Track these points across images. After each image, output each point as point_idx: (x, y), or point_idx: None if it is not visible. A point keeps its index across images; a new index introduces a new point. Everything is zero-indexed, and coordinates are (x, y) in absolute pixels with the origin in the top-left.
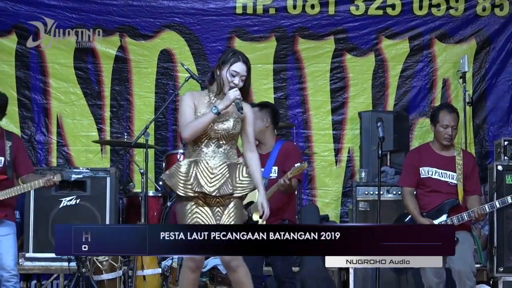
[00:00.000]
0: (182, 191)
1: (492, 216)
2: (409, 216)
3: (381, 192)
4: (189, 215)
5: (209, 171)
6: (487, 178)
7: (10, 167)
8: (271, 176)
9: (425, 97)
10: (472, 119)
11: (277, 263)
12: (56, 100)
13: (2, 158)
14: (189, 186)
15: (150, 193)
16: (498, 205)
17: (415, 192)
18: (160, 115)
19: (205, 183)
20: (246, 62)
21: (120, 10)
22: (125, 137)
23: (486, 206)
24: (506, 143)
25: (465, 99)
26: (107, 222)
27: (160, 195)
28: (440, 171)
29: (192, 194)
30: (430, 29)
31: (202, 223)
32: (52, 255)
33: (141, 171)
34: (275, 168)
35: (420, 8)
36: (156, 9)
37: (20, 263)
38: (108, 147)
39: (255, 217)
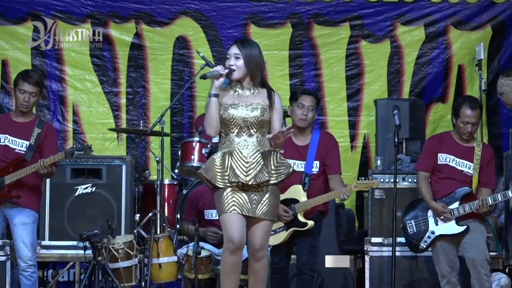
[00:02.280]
0: (221, 183)
1: (508, 204)
2: (421, 203)
3: (397, 180)
4: (226, 201)
5: (243, 160)
6: (502, 165)
7: (31, 150)
8: (313, 172)
9: (440, 84)
10: (486, 101)
11: (303, 254)
12: (72, 88)
13: (27, 142)
14: (226, 178)
15: (166, 181)
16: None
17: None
18: (176, 102)
19: (241, 172)
20: (240, 43)
21: None
22: (141, 125)
23: (489, 199)
24: None
25: (481, 87)
26: (123, 210)
27: (176, 183)
28: (458, 159)
29: (230, 185)
30: (446, 15)
31: (239, 209)
32: (68, 243)
33: (156, 159)
34: (317, 163)
35: None
36: None
37: (36, 251)
38: (124, 134)
39: (301, 217)
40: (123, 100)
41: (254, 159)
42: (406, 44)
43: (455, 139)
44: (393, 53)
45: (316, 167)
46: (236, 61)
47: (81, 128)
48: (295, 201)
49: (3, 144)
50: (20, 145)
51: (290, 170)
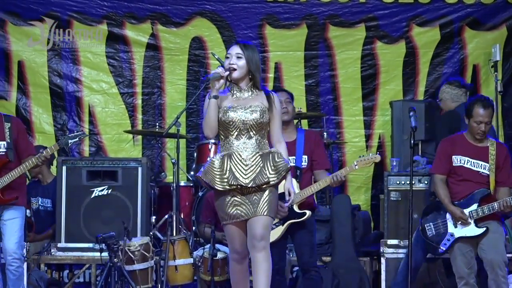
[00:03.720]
0: (220, 186)
1: None
2: (439, 204)
3: (413, 182)
4: (228, 210)
5: (242, 163)
6: None
7: (11, 149)
8: (303, 165)
9: None
10: (502, 103)
11: (305, 252)
12: (88, 89)
13: (4, 142)
14: (226, 180)
15: (182, 183)
16: None
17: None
18: (192, 103)
19: (240, 175)
20: (241, 44)
21: None
22: (157, 126)
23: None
24: None
25: (497, 88)
26: (139, 212)
27: (191, 185)
28: (473, 160)
29: (229, 188)
30: (461, 16)
31: (243, 213)
32: (84, 245)
33: (172, 161)
34: (305, 157)
35: None
36: None
37: (52, 253)
38: (140, 135)
39: (297, 209)
40: (139, 101)
41: (253, 161)
42: (422, 44)
43: (468, 140)
44: (408, 53)
45: (305, 161)
46: (238, 60)
47: (97, 129)
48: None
49: None
50: None
51: (288, 166)
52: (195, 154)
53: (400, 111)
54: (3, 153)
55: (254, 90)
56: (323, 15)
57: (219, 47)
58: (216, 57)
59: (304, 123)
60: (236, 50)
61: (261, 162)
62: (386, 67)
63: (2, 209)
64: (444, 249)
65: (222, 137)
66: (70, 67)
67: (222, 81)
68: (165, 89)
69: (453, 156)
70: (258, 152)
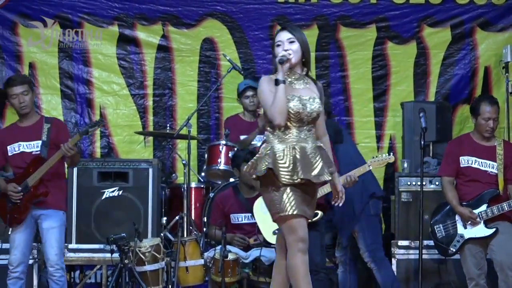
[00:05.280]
0: (287, 180)
1: None
2: (448, 206)
3: (424, 183)
4: (289, 201)
5: (308, 156)
6: None
7: (45, 147)
8: None
9: (467, 85)
10: None
11: (316, 254)
12: (99, 90)
13: (39, 142)
14: (290, 174)
15: (193, 184)
16: None
17: (454, 182)
18: (203, 104)
19: (308, 169)
20: (289, 28)
21: None
22: (168, 127)
23: None
24: None
25: (508, 89)
26: (150, 213)
27: (202, 186)
28: (480, 160)
29: (292, 182)
30: (472, 17)
31: (302, 210)
32: (95, 246)
33: (183, 162)
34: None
35: None
36: None
37: (64, 254)
38: (150, 136)
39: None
40: (150, 102)
41: (315, 154)
42: (433, 45)
43: (475, 140)
44: (419, 54)
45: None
46: (291, 45)
47: (108, 130)
48: None
49: (19, 152)
50: (35, 146)
51: (334, 166)
52: (206, 155)
53: (411, 112)
54: (38, 152)
55: (307, 78)
56: (334, 15)
57: (230, 48)
58: (228, 58)
59: None
60: (286, 35)
61: (319, 156)
62: (397, 68)
63: (39, 213)
64: (453, 250)
65: (281, 128)
66: (81, 68)
67: (287, 65)
68: (176, 91)
69: (460, 157)
70: (316, 145)
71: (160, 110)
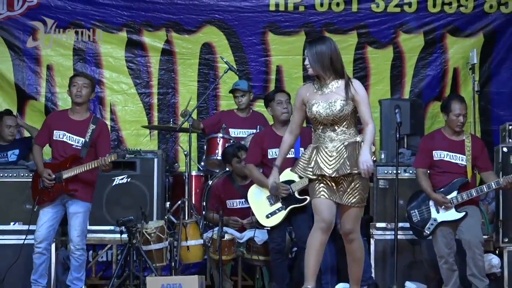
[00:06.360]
0: (302, 173)
1: (498, 192)
2: (422, 194)
3: (399, 172)
4: (317, 188)
5: (328, 154)
6: (493, 159)
7: (86, 147)
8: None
9: (438, 84)
10: (478, 101)
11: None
12: (109, 90)
13: (82, 139)
14: (310, 170)
15: (193, 173)
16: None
17: (428, 172)
18: (202, 102)
19: (325, 166)
20: (308, 43)
21: (166, 8)
22: (171, 122)
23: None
24: (510, 127)
25: (474, 88)
26: (155, 198)
27: (202, 174)
28: (451, 154)
29: (312, 176)
30: (443, 24)
31: (327, 195)
32: (106, 227)
33: (185, 152)
34: (302, 149)
35: (434, 5)
36: (198, 7)
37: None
38: (156, 131)
39: (297, 194)
40: (155, 100)
41: (337, 152)
42: (407, 49)
43: (446, 135)
44: (395, 57)
45: (302, 153)
46: (306, 60)
47: (118, 125)
48: (291, 181)
49: (61, 140)
50: (76, 141)
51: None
52: (205, 147)
53: (388, 109)
54: (79, 148)
55: (335, 82)
56: (319, 23)
57: (226, 51)
58: (224, 60)
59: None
60: (306, 50)
61: (345, 152)
62: (376, 70)
63: (68, 201)
64: (428, 232)
65: (313, 129)
66: (94, 70)
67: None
68: (178, 90)
69: (433, 151)
70: (343, 143)
71: (164, 107)
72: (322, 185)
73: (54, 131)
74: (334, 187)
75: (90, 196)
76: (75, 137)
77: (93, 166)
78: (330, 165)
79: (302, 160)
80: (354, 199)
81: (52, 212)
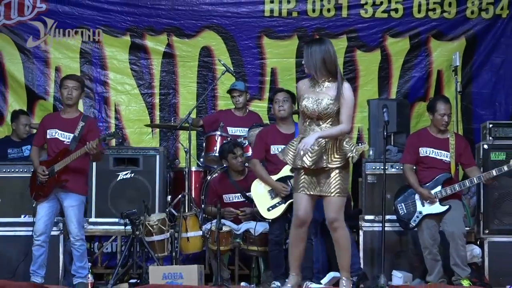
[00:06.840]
0: (292, 163)
1: (479, 187)
2: (408, 189)
3: (386, 167)
4: (298, 181)
5: (310, 147)
6: (474, 156)
7: (75, 141)
8: None
9: (422, 85)
10: (461, 101)
11: None
12: (114, 90)
13: (71, 135)
14: (293, 159)
15: (193, 168)
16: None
17: (414, 167)
18: (201, 102)
19: (306, 158)
20: (306, 44)
21: (167, 14)
22: (172, 121)
23: (493, 171)
24: (490, 125)
25: (457, 89)
26: (157, 192)
27: (201, 170)
28: (436, 150)
29: (298, 166)
30: (427, 29)
31: (307, 189)
32: (111, 220)
33: (185, 149)
34: None
35: (419, 11)
36: (197, 13)
37: (85, 227)
38: (157, 129)
39: None
40: (156, 100)
41: (319, 146)
42: (394, 52)
43: (432, 134)
44: (383, 60)
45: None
46: (303, 60)
47: (122, 124)
48: (290, 177)
49: (54, 137)
50: (67, 137)
51: (350, 155)
52: (204, 144)
53: (376, 108)
54: (69, 143)
55: (327, 82)
56: (311, 28)
57: (224, 55)
58: (222, 62)
59: (296, 117)
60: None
61: (325, 147)
62: (364, 72)
63: (61, 194)
64: (413, 224)
65: (302, 121)
66: (99, 71)
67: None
68: (179, 90)
69: (420, 148)
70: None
71: (165, 107)
72: (303, 177)
73: (48, 131)
74: (315, 178)
75: (82, 187)
76: (66, 133)
77: (81, 153)
78: (311, 157)
79: (291, 148)
80: (334, 189)
81: (47, 207)
